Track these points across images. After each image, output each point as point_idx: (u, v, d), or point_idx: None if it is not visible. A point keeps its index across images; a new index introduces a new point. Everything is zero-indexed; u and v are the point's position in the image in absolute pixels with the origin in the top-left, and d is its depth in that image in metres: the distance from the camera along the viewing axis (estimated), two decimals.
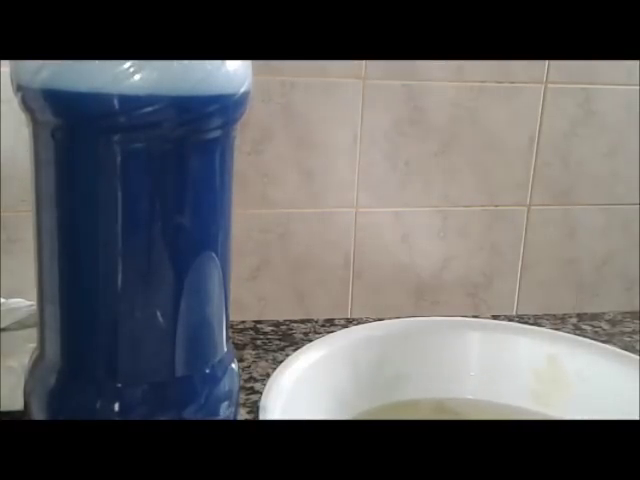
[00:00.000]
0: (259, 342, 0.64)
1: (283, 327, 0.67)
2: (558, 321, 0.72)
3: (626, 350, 0.47)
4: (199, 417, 0.32)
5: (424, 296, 0.71)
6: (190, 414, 0.32)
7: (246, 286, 0.67)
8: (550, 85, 0.68)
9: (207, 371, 0.33)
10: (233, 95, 0.31)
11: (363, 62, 0.64)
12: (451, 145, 0.68)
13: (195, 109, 0.30)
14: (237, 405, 0.35)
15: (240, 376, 0.35)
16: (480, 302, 0.72)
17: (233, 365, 0.35)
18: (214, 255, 0.33)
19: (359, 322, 0.69)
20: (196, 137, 0.30)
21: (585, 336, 0.52)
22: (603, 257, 0.74)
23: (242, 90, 0.31)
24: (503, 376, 0.48)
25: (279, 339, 0.65)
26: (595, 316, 0.73)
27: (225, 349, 0.35)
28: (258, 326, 0.67)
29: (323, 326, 0.68)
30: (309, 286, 0.69)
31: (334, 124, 0.65)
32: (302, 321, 0.68)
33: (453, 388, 0.48)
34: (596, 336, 0.68)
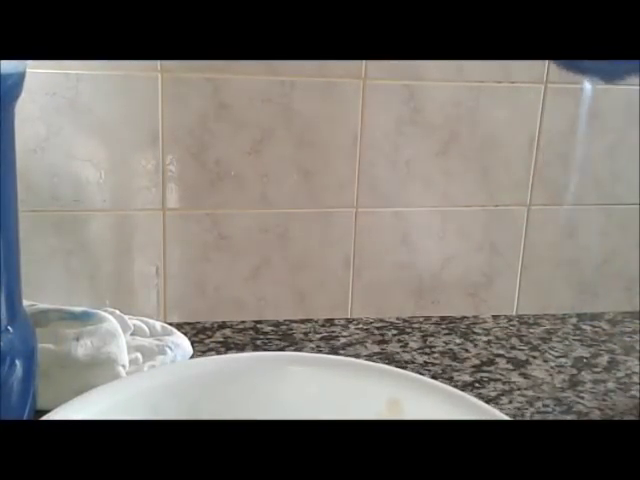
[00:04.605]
0: (259, 342, 0.64)
1: (283, 327, 0.67)
2: (558, 321, 0.72)
3: (626, 350, 0.46)
4: None
5: (424, 296, 0.71)
6: None
7: (246, 286, 0.67)
8: (550, 85, 0.68)
9: None
10: (10, 75, 0.30)
11: (363, 62, 0.64)
12: (451, 145, 0.68)
13: None
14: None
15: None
16: (480, 302, 0.72)
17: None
18: None
19: (359, 322, 0.69)
20: None
21: (585, 336, 0.50)
22: (603, 257, 0.74)
23: (19, 70, 0.30)
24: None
25: (279, 339, 0.65)
26: (595, 316, 0.73)
27: None
28: (258, 326, 0.67)
29: (323, 326, 0.68)
30: (309, 286, 0.69)
31: (334, 124, 0.65)
32: (302, 321, 0.68)
33: None
34: (596, 336, 0.68)
